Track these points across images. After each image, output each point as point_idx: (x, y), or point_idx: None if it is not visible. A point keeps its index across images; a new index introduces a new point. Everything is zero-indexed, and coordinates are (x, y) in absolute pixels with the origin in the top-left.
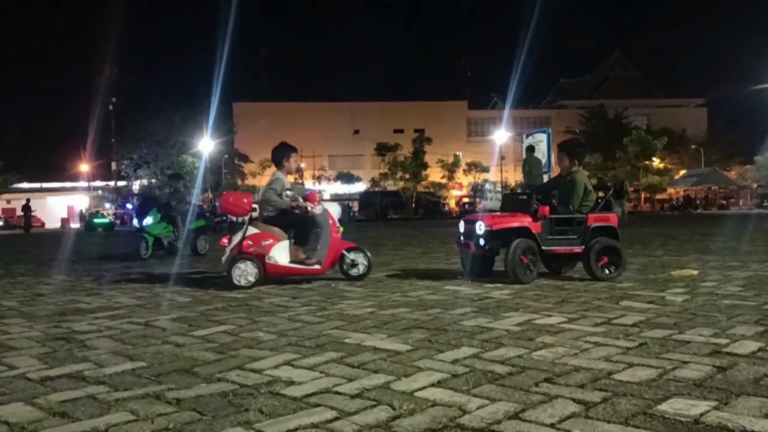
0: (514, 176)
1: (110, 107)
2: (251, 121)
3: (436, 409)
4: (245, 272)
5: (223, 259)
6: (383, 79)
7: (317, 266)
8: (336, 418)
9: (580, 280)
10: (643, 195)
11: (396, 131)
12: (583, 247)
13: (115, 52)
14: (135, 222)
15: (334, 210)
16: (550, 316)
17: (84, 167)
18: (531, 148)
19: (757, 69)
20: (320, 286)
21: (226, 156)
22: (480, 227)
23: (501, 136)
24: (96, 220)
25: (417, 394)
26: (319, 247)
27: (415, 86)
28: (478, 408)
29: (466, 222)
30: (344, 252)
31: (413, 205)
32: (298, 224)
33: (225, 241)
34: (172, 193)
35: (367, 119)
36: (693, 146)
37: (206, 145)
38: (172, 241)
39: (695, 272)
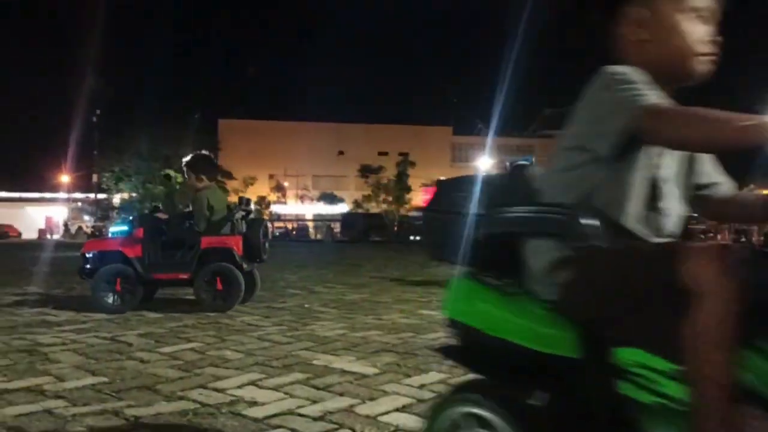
0: None
1: (94, 119)
2: (236, 138)
3: None
4: None
5: None
6: (369, 101)
7: None
8: None
9: None
10: None
11: (380, 153)
12: (190, 272)
13: (101, 63)
14: None
15: None
16: None
17: (64, 178)
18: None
19: None
20: (294, 306)
21: None
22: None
23: (484, 162)
24: None
25: (380, 418)
26: None
27: (400, 109)
28: None
29: None
30: None
31: (395, 227)
32: None
33: None
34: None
35: (352, 140)
36: None
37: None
38: None
39: None
